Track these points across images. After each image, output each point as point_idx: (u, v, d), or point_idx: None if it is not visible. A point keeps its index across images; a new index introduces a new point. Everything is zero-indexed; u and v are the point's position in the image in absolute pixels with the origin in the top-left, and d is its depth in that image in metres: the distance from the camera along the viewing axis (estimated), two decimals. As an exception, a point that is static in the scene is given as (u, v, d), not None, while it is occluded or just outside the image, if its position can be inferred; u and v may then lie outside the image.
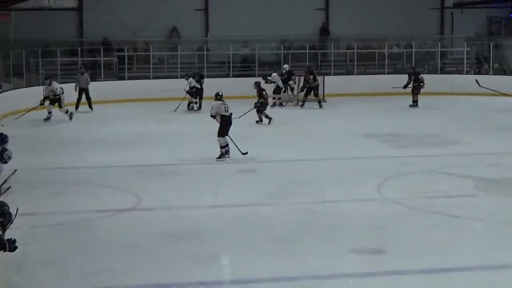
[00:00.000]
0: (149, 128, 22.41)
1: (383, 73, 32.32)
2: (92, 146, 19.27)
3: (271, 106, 26.81)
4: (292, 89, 28.19)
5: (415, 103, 27.10)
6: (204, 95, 26.36)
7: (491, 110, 23.98)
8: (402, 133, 21.16)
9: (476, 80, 20.23)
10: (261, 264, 10.07)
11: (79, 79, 26.42)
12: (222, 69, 32.50)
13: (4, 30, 28.67)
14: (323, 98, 28.47)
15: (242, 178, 15.68)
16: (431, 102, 27.48)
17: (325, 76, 29.47)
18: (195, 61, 31.56)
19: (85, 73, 26.81)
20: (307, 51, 32.89)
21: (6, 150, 11.87)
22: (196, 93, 26.35)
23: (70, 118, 23.77)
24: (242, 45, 33.21)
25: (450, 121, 23.57)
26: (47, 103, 23.69)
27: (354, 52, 33.01)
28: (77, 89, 26.33)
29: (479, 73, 33.05)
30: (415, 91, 27.20)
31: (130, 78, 30.90)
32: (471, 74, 32.71)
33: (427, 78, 29.09)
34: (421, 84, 27.19)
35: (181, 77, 27.22)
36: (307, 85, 27.17)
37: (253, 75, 28.44)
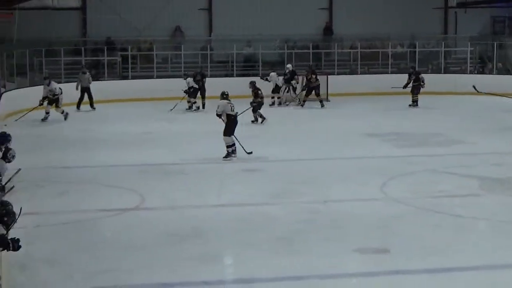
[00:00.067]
0: (152, 128, 22.41)
1: (387, 73, 32.29)
2: (96, 145, 19.29)
3: (270, 105, 26.87)
4: (294, 89, 28.18)
5: (415, 103, 27.05)
6: (206, 94, 26.41)
7: (495, 110, 23.93)
8: (405, 133, 21.15)
9: (474, 86, 20.24)
10: (265, 263, 10.06)
11: (81, 79, 26.48)
12: (226, 68, 32.51)
13: (8, 30, 28.70)
14: (327, 97, 28.52)
15: (246, 177, 15.67)
16: (433, 102, 27.48)
17: (329, 76, 29.49)
18: (198, 61, 31.58)
19: (87, 73, 26.85)
20: (311, 50, 32.89)
21: (10, 149, 11.89)
22: (194, 93, 26.35)
23: (65, 118, 23.74)
24: (245, 45, 33.23)
25: (454, 121, 23.55)
26: (45, 103, 23.68)
27: (357, 52, 33.04)
28: (79, 88, 26.36)
29: (483, 72, 33.04)
30: (415, 91, 27.14)
31: (133, 77, 30.93)
32: (474, 73, 32.71)
33: (430, 77, 29.15)
34: (422, 83, 27.15)
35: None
36: (310, 85, 27.18)
37: (256, 75, 28.41)
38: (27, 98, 24.05)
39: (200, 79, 26.73)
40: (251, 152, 17.21)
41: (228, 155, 17.08)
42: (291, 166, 16.81)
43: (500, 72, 32.46)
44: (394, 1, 35.18)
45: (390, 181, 14.87)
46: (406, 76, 27.88)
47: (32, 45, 28.75)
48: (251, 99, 22.55)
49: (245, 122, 21.64)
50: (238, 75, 31.05)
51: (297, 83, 28.13)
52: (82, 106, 26.49)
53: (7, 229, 7.74)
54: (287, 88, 28.14)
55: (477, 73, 32.88)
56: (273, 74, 27.80)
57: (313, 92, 27.34)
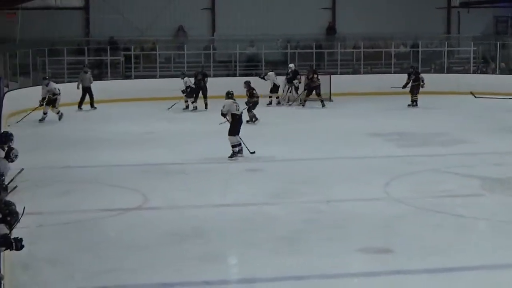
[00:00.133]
0: (154, 127, 22.42)
1: (390, 73, 32.24)
2: (98, 145, 19.31)
3: (267, 105, 26.89)
4: (296, 89, 28.18)
5: (414, 103, 27.01)
6: (208, 94, 26.41)
7: (497, 110, 23.94)
8: (408, 132, 21.15)
9: (471, 92, 20.42)
10: (267, 263, 10.09)
11: (82, 78, 26.51)
12: (228, 68, 32.52)
13: (11, 29, 28.71)
14: (330, 97, 28.52)
15: (248, 177, 15.70)
16: (434, 102, 27.46)
17: (332, 75, 29.47)
18: (201, 60, 31.56)
19: (88, 72, 26.89)
20: (314, 50, 32.86)
21: (13, 149, 11.91)
22: (191, 92, 26.35)
23: (59, 119, 23.68)
24: (248, 44, 33.23)
25: (456, 121, 23.51)
26: (44, 103, 23.66)
27: (360, 51, 32.97)
28: (80, 87, 26.39)
29: (486, 72, 33.01)
30: (415, 91, 27.08)
31: (136, 77, 30.94)
32: (477, 73, 32.71)
33: (433, 77, 29.18)
34: (421, 83, 27.11)
35: (188, 76, 27.23)
36: (311, 85, 27.18)
37: (259, 75, 28.41)
38: (30, 98, 24.05)
39: (201, 78, 26.72)
40: (254, 152, 17.24)
41: (233, 154, 17.09)
42: (293, 166, 16.82)
43: (503, 72, 32.42)
44: (397, 1, 35.14)
45: (392, 181, 14.89)
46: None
47: (35, 45, 28.78)
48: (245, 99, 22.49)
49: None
50: (240, 75, 31.03)
51: (299, 82, 28.13)
52: (83, 106, 26.51)
53: (10, 228, 7.77)
54: (290, 88, 28.15)
55: (480, 73, 32.87)
56: (271, 73, 27.83)
57: (314, 92, 27.33)
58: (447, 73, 32.82)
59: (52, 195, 13.96)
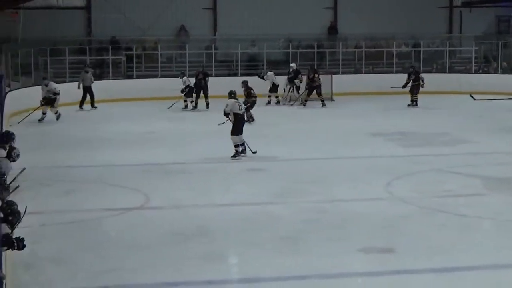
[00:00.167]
0: (156, 127, 22.41)
1: (391, 72, 32.22)
2: (100, 145, 19.29)
3: (266, 104, 26.88)
4: (298, 88, 28.16)
5: (414, 103, 26.97)
6: (210, 93, 26.37)
7: (497, 110, 23.90)
8: (410, 132, 21.13)
9: (470, 95, 20.42)
10: (269, 263, 10.06)
11: (83, 77, 26.49)
12: (230, 68, 32.50)
13: (13, 29, 28.69)
14: (331, 97, 28.51)
15: (250, 177, 15.67)
16: (436, 101, 27.46)
17: (333, 75, 29.46)
18: (203, 60, 31.54)
19: (89, 71, 26.88)
20: (315, 50, 32.88)
21: (14, 148, 11.87)
22: (190, 92, 26.32)
23: (57, 119, 23.60)
24: (250, 44, 33.22)
25: (458, 120, 23.50)
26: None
27: (362, 51, 32.97)
28: (80, 86, 26.37)
29: (488, 72, 33.02)
30: (415, 91, 27.05)
31: (138, 76, 30.92)
32: (479, 73, 32.71)
33: (435, 77, 29.16)
34: (421, 83, 27.07)
35: (189, 75, 27.22)
36: (312, 84, 27.16)
37: (258, 74, 28.39)
38: (31, 98, 24.03)
39: (202, 78, 26.65)
40: (255, 152, 17.22)
41: (236, 154, 17.06)
42: (296, 165, 16.80)
43: (505, 71, 32.39)
44: (399, 0, 35.14)
45: (396, 180, 14.86)
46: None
47: (37, 45, 28.78)
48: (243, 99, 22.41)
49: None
50: (242, 75, 30.97)
51: (301, 82, 28.09)
52: (84, 106, 26.49)
53: (12, 228, 7.75)
54: (291, 88, 28.14)
55: (482, 73, 32.90)
56: (270, 73, 27.84)
57: (315, 91, 27.29)
58: (449, 72, 32.81)
59: (54, 195, 13.95)
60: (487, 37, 35.08)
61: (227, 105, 17.25)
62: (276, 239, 11.12)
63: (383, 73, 32.44)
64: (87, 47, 31.35)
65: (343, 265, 10.03)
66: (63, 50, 30.01)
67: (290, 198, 13.66)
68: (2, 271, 7.29)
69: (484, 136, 20.08)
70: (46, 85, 23.61)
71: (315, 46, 32.97)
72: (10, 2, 27.53)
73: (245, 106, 21.51)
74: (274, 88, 27.76)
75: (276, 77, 27.81)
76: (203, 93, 26.57)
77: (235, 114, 17.16)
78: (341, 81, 29.44)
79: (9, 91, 24.26)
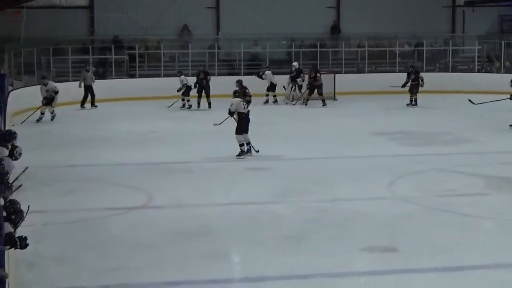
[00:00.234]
0: (158, 126, 22.43)
1: (394, 71, 32.17)
2: (102, 144, 19.31)
3: (264, 103, 26.88)
4: (300, 87, 28.15)
5: (413, 102, 26.95)
6: (213, 92, 26.36)
7: (498, 110, 23.85)
8: (413, 131, 21.13)
9: (469, 100, 20.49)
10: (272, 262, 10.06)
11: (84, 76, 26.50)
12: (233, 67, 32.49)
13: (16, 28, 28.71)
14: (334, 96, 28.52)
15: (253, 176, 15.67)
16: (435, 101, 27.43)
17: (336, 74, 29.45)
18: (206, 59, 31.56)
19: (90, 71, 26.90)
20: (318, 49, 32.88)
21: (17, 146, 11.88)
22: (187, 91, 26.29)
23: (52, 119, 23.56)
24: (253, 43, 33.22)
25: (458, 120, 23.44)
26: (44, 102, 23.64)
27: (365, 50, 33.01)
28: (81, 85, 26.39)
29: (490, 71, 33.00)
30: (414, 90, 27.04)
31: (141, 76, 30.97)
32: (482, 72, 32.70)
33: (438, 76, 29.14)
34: (421, 83, 27.05)
35: (192, 75, 27.23)
36: (314, 83, 27.15)
37: (257, 73, 28.40)
38: (34, 97, 24.03)
39: (203, 77, 26.56)
40: (258, 151, 17.22)
41: (241, 153, 17.05)
42: (298, 164, 16.81)
43: (507, 70, 32.29)
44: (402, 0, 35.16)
45: (398, 180, 14.87)
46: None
47: (40, 44, 28.80)
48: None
49: (253, 121, 21.63)
50: (245, 74, 30.97)
51: (303, 81, 28.07)
52: (85, 105, 26.52)
53: (15, 227, 7.75)
54: (293, 87, 28.14)
55: (485, 72, 32.88)
56: (268, 72, 27.87)
57: (316, 90, 27.29)
58: (452, 72, 32.78)
59: (57, 194, 13.96)
60: (490, 36, 35.07)
61: (232, 104, 17.26)
62: (279, 238, 11.12)
63: (386, 72, 32.42)
64: (90, 47, 31.40)
65: (345, 264, 10.03)
66: (65, 49, 30.08)
67: (293, 198, 13.66)
68: (5, 270, 7.30)
69: (484, 136, 20.09)
70: (45, 85, 23.57)
71: (318, 45, 33.00)
72: (13, 1, 27.56)
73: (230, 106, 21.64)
74: (272, 87, 27.80)
75: (279, 76, 27.79)
76: (205, 93, 26.49)
77: (239, 113, 17.17)
78: (344, 81, 29.43)
79: (12, 90, 24.24)
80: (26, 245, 7.59)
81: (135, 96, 28.44)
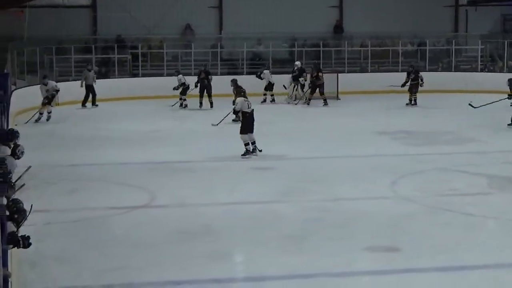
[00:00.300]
0: (161, 125, 22.44)
1: (397, 71, 32.09)
2: (104, 143, 19.31)
3: (261, 102, 26.87)
4: (302, 86, 28.14)
5: (413, 101, 26.92)
6: (216, 92, 26.35)
7: (498, 109, 23.82)
8: (415, 131, 21.11)
9: (470, 104, 20.56)
10: (274, 261, 10.07)
11: (86, 76, 26.52)
12: (235, 66, 32.49)
13: (19, 27, 28.70)
14: (337, 96, 28.52)
15: (255, 175, 15.67)
16: (439, 100, 27.39)
17: (339, 74, 29.46)
18: (209, 59, 31.55)
19: (92, 70, 26.91)
20: (321, 48, 32.87)
21: (19, 145, 11.90)
22: (184, 90, 26.27)
23: (48, 119, 23.54)
24: (255, 43, 33.22)
25: (459, 119, 23.37)
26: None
27: (368, 50, 32.98)
28: (83, 85, 26.40)
29: (493, 70, 32.96)
30: (414, 90, 27.01)
31: (143, 75, 31.00)
32: (485, 72, 32.68)
33: (441, 76, 29.12)
34: (421, 82, 27.02)
35: (194, 74, 27.24)
36: (316, 83, 27.14)
37: (255, 73, 28.40)
38: (37, 96, 24.03)
39: (204, 77, 26.46)
40: (261, 150, 17.23)
41: (246, 152, 17.05)
42: (301, 164, 16.80)
43: (510, 70, 32.25)
44: (405, -1, 35.19)
45: (400, 179, 14.87)
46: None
47: (43, 43, 28.82)
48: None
49: (255, 120, 21.65)
50: (248, 73, 30.98)
51: (305, 80, 28.06)
52: (87, 104, 26.55)
53: (18, 226, 7.76)
54: (296, 86, 28.13)
55: (488, 71, 32.85)
56: (266, 71, 27.89)
57: (317, 90, 27.27)
58: (455, 71, 32.75)
59: (60, 193, 13.98)
60: (493, 35, 35.02)
61: (236, 104, 17.26)
62: (281, 237, 11.13)
63: (388, 71, 32.37)
64: (93, 46, 31.38)
65: (347, 264, 10.04)
66: (68, 48, 30.09)
67: (295, 197, 13.66)
68: (7, 269, 7.32)
69: (486, 135, 20.07)
70: (46, 84, 23.54)
71: (321, 44, 32.98)
72: (16, 0, 27.57)
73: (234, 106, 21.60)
74: (269, 86, 27.84)
75: (282, 75, 27.78)
76: (207, 92, 26.40)
77: (244, 113, 17.15)
78: (347, 80, 29.45)
79: (15, 89, 24.29)
80: (29, 244, 7.61)
81: (137, 96, 28.47)
